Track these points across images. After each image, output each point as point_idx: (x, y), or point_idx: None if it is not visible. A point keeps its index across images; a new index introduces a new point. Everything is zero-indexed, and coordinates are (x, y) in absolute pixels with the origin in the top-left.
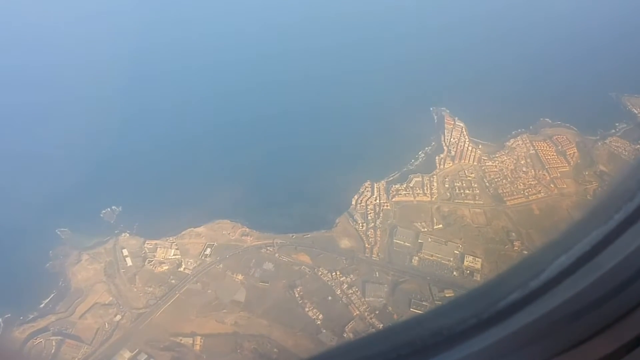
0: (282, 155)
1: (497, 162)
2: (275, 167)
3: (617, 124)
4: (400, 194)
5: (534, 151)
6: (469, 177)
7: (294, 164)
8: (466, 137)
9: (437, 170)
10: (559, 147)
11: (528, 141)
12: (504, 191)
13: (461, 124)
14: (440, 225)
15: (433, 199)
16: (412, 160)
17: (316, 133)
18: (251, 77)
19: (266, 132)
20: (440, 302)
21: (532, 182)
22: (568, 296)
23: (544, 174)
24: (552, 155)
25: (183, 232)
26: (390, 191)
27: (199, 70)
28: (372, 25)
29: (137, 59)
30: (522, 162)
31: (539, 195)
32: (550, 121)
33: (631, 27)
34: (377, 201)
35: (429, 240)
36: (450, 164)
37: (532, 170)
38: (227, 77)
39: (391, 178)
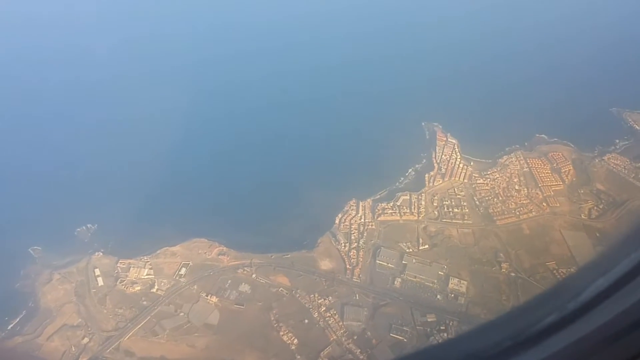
0: (265, 171)
1: (488, 179)
2: (257, 184)
3: (617, 141)
4: (386, 213)
5: (527, 168)
6: (459, 195)
7: (276, 180)
8: (458, 153)
9: (426, 188)
10: (554, 165)
11: (522, 158)
12: (495, 210)
13: (454, 140)
14: (426, 246)
15: (420, 218)
16: (401, 178)
17: (302, 149)
18: (235, 94)
19: (249, 146)
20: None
21: (524, 201)
22: (607, 318)
23: (537, 193)
24: (547, 172)
25: (158, 251)
26: (376, 210)
27: (180, 89)
28: (364, 42)
29: (112, 81)
30: (515, 179)
31: (531, 215)
32: (546, 137)
33: (635, 41)
34: (362, 220)
35: (414, 261)
36: (440, 182)
37: (525, 189)
38: (209, 94)
39: (378, 196)
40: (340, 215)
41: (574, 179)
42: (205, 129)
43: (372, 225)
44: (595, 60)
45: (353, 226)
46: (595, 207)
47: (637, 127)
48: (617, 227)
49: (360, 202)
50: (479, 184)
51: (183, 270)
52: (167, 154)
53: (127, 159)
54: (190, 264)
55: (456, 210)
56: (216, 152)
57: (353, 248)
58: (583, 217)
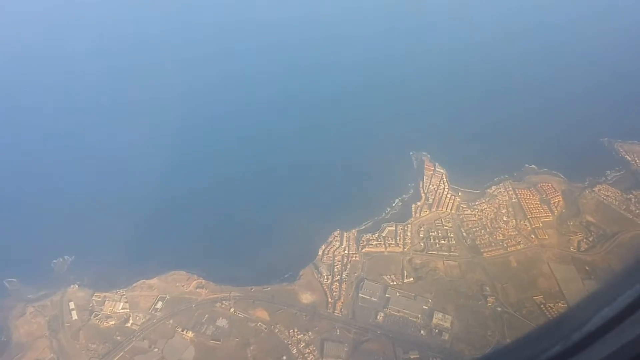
0: (247, 201)
1: (476, 210)
2: (239, 214)
3: (607, 172)
4: (371, 244)
5: (516, 199)
6: (446, 226)
7: (260, 210)
8: (446, 183)
9: (413, 219)
10: (544, 196)
11: (511, 189)
12: (482, 242)
13: (442, 170)
14: (411, 279)
15: (405, 249)
16: (388, 208)
17: (286, 177)
18: (220, 124)
19: (232, 177)
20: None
21: (512, 233)
22: (613, 349)
23: (525, 224)
24: (536, 204)
25: (135, 284)
26: (361, 241)
27: (161, 117)
28: (354, 71)
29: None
30: (503, 210)
31: (518, 247)
32: (536, 168)
33: (627, 71)
34: (346, 252)
35: (397, 294)
36: (427, 213)
37: (513, 220)
38: (193, 124)
39: (363, 227)
40: (324, 247)
41: (564, 211)
42: (188, 160)
43: (356, 257)
44: (586, 91)
45: (337, 258)
46: (584, 240)
47: (628, 158)
48: (606, 261)
49: (345, 233)
50: (467, 214)
51: (159, 304)
52: (147, 186)
53: (106, 191)
54: (167, 297)
55: (443, 241)
56: (197, 183)
57: (336, 281)
58: (572, 249)
